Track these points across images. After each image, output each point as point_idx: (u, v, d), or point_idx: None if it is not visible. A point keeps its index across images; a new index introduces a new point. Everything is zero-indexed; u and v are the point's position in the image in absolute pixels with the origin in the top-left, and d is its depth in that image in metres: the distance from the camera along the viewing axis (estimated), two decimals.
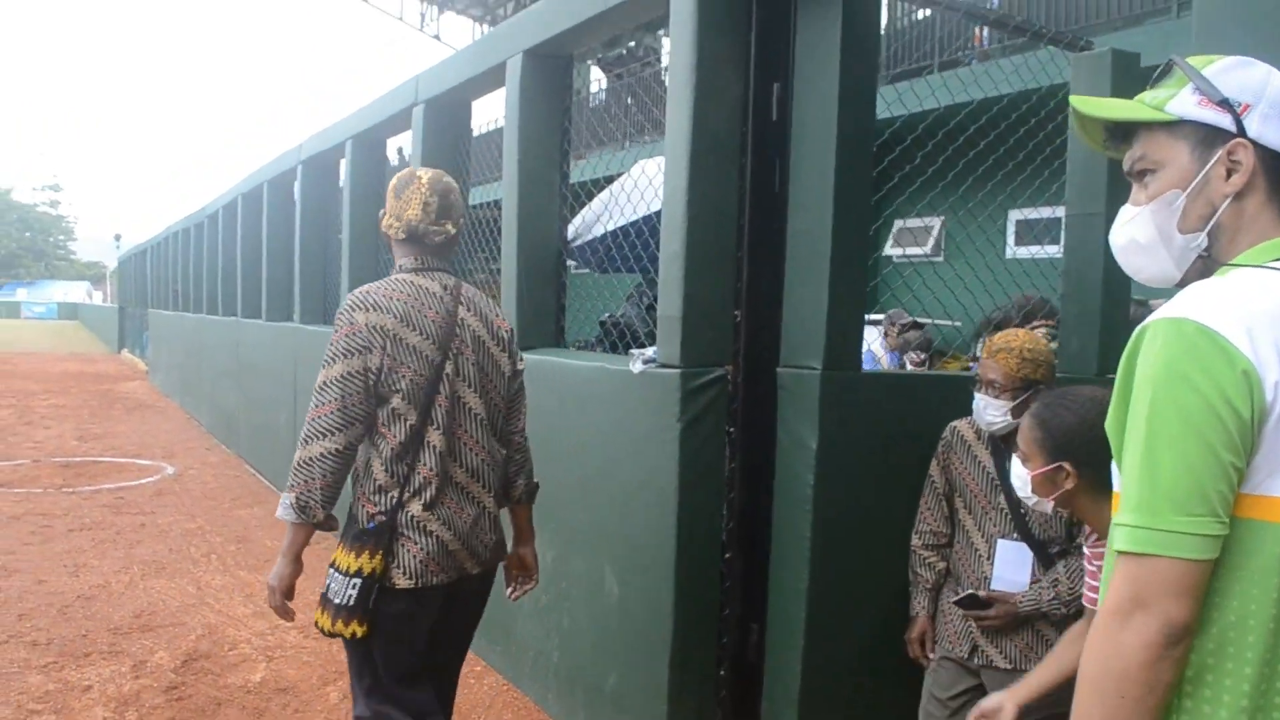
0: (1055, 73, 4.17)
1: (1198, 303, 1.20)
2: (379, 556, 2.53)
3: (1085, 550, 2.23)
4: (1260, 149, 1.28)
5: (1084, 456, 1.98)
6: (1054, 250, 8.08)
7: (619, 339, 4.32)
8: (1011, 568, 2.83)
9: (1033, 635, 2.81)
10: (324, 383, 2.52)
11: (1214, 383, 1.13)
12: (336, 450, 2.50)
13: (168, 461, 9.85)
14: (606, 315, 4.52)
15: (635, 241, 4.19)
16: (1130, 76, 3.71)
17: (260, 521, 7.28)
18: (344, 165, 6.62)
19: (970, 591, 2.83)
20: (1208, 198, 1.31)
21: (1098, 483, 1.96)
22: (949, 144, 3.70)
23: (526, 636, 4.07)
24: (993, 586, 2.85)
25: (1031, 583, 2.80)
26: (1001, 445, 2.88)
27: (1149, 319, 1.24)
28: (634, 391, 3.29)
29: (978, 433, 2.95)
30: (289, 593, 2.61)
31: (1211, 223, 1.31)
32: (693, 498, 3.12)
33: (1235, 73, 1.32)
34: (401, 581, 2.55)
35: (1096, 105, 1.43)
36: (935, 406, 3.13)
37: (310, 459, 2.50)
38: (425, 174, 2.71)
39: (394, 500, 2.57)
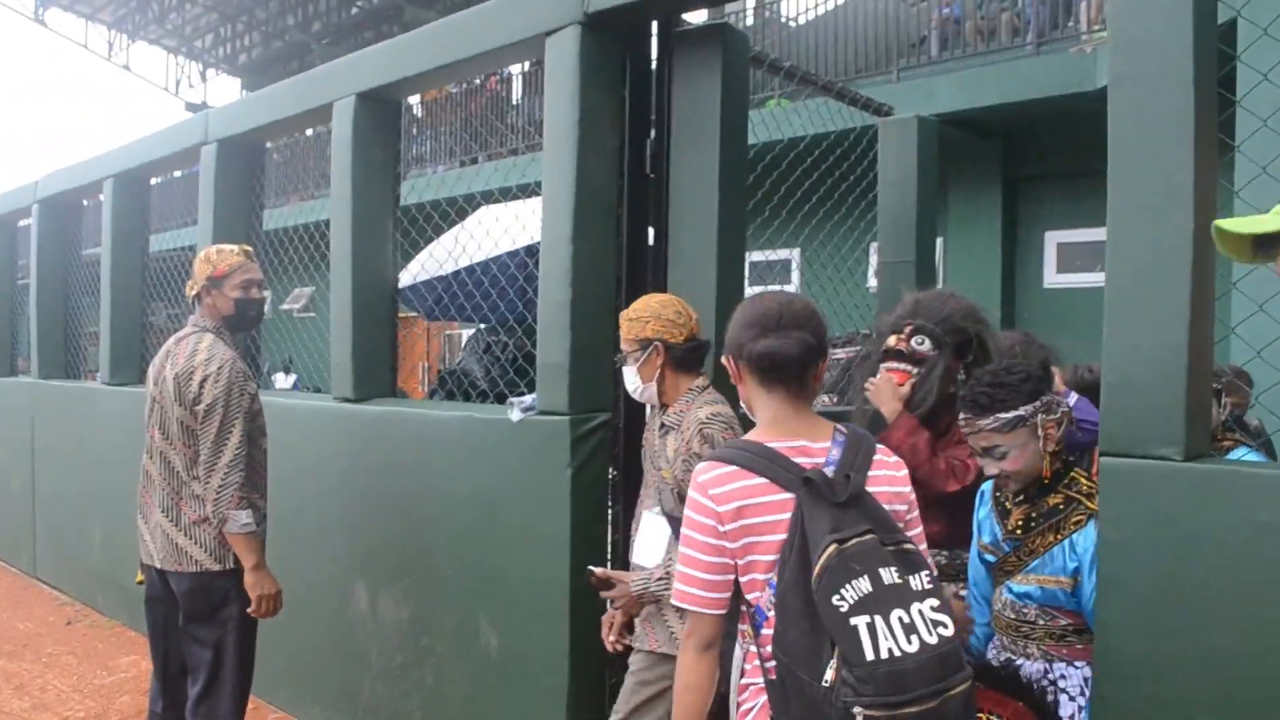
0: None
1: None
2: None
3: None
4: None
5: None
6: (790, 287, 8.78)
7: (459, 388, 4.27)
8: (648, 540, 2.79)
9: (655, 612, 2.75)
10: None
11: None
12: None
13: None
14: (458, 364, 4.45)
15: (488, 290, 4.17)
16: (930, 138, 4.17)
17: None
18: (105, 205, 6.06)
19: (590, 568, 2.80)
20: None
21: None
22: None
23: (378, 699, 3.91)
24: (634, 559, 2.81)
25: (666, 558, 2.69)
26: (659, 416, 2.82)
27: None
28: (517, 440, 3.28)
29: (653, 409, 2.88)
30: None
31: None
32: (583, 543, 3.16)
33: None
34: None
35: (1246, 224, 1.69)
36: None
37: None
38: None
39: None
